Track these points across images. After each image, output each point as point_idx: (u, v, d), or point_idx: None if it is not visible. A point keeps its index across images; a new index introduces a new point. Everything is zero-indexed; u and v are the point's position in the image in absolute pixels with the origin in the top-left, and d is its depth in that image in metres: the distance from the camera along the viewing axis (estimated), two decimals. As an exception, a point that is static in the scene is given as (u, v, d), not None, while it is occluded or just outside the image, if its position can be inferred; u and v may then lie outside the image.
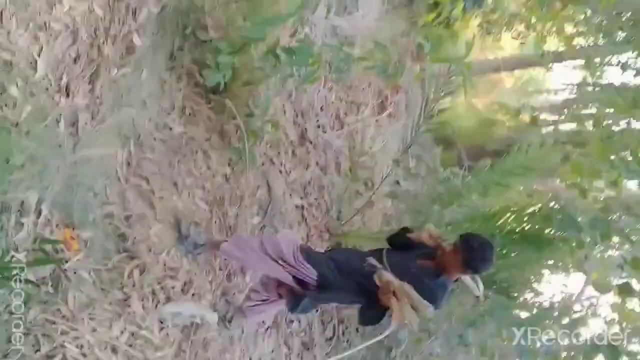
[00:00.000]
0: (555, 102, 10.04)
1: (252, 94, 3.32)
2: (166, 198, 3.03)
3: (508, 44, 8.52)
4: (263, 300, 3.07)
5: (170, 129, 3.13)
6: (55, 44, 2.48)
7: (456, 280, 2.77)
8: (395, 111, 5.52)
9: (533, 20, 6.77)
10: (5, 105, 2.29)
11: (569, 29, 7.03)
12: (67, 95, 2.53)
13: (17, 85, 2.32)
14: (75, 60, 2.56)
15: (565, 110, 8.86)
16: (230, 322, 3.22)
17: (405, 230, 3.00)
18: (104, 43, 2.64)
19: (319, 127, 4.43)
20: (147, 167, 2.97)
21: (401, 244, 2.91)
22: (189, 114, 3.23)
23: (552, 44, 7.42)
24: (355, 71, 3.92)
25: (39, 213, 2.39)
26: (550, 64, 8.21)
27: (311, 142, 4.28)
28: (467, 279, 2.84)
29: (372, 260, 2.64)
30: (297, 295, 2.88)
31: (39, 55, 2.42)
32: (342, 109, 4.76)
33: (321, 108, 4.49)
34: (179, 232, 3.05)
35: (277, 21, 3.10)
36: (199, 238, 3.07)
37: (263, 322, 3.46)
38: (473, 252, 2.61)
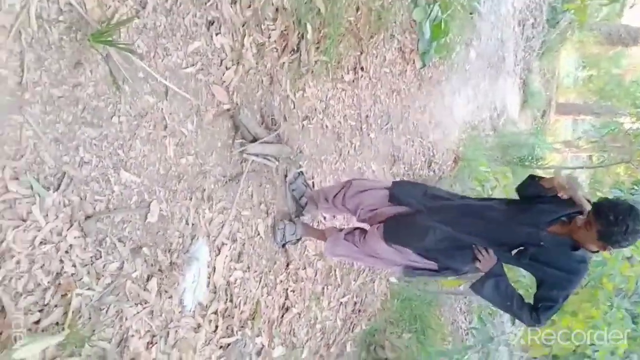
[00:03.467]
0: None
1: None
2: None
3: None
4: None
5: None
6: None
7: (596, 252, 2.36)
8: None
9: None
10: None
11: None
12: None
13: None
14: (315, 353, 3.56)
15: None
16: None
17: (532, 178, 2.54)
18: (333, 342, 3.67)
19: None
20: None
21: (531, 194, 2.49)
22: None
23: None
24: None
25: None
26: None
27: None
28: None
29: None
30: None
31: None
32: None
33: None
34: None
35: (444, 355, 4.07)
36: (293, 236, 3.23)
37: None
38: (610, 225, 2.17)
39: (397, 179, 2.76)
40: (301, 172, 3.47)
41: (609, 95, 14.76)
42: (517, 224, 2.42)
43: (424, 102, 5.75)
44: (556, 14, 11.00)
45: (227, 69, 2.90)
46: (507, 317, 5.13)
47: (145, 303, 2.33)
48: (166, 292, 2.43)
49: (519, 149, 7.90)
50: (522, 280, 3.96)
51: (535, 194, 2.45)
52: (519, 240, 2.42)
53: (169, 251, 2.49)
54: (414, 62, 5.35)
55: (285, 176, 3.36)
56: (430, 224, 2.55)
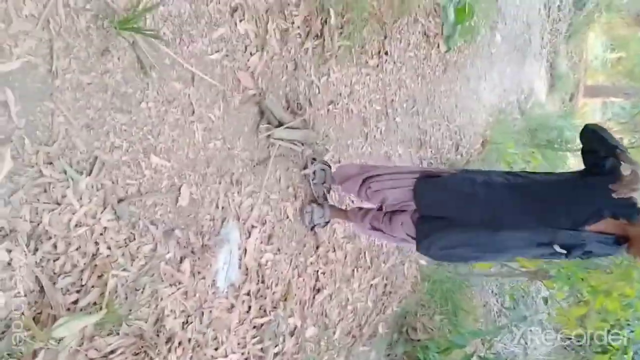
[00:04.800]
0: None
1: (447, 389, 4.09)
2: None
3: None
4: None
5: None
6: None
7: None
8: None
9: None
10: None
11: None
12: None
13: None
14: (348, 334, 3.58)
15: None
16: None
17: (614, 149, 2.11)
18: (365, 323, 3.69)
19: None
20: None
21: (592, 163, 2.26)
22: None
23: None
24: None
25: None
26: None
27: None
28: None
29: None
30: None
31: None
32: None
33: None
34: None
35: (477, 335, 4.05)
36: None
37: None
38: None
39: (418, 175, 2.63)
40: (321, 165, 3.34)
41: (639, 76, 14.42)
42: (558, 227, 2.23)
43: (450, 86, 5.71)
44: (582, -4, 10.79)
45: (251, 55, 2.92)
46: (540, 296, 5.08)
47: (179, 284, 2.37)
48: (199, 273, 2.47)
49: (548, 132, 7.78)
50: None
51: (595, 164, 2.22)
52: (560, 241, 2.23)
53: (201, 233, 2.54)
54: (438, 46, 5.31)
55: (305, 167, 3.31)
56: (464, 230, 2.43)
